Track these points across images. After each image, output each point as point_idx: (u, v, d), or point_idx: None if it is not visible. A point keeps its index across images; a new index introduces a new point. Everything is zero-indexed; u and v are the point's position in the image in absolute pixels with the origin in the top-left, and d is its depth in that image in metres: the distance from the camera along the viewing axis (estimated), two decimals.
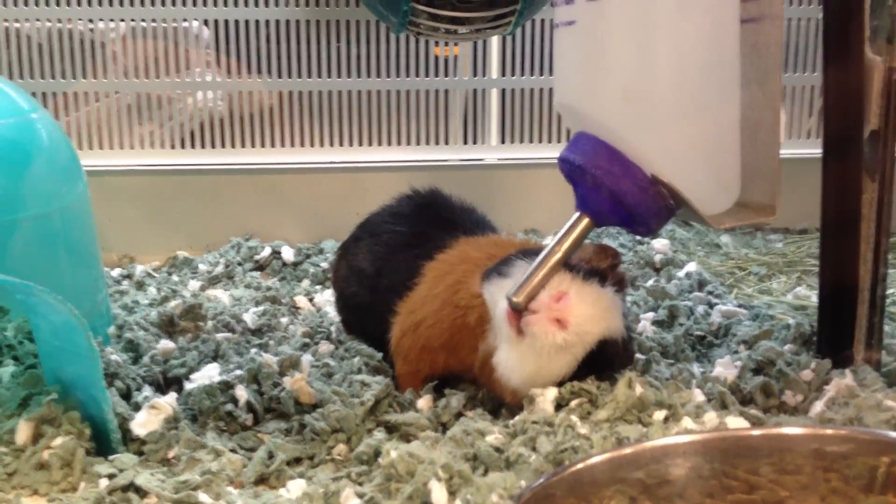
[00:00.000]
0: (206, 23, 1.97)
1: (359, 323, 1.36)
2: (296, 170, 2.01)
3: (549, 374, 1.07)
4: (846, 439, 0.82)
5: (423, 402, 1.15)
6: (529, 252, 1.13)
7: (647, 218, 1.06)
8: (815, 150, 1.21)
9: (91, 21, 1.93)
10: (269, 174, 2.00)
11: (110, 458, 1.04)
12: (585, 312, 1.05)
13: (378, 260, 1.30)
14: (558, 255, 1.07)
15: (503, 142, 2.10)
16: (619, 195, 1.04)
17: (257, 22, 1.97)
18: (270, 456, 1.05)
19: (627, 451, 0.84)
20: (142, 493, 0.98)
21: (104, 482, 0.99)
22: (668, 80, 1.03)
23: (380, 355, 1.26)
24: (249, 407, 1.15)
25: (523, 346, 1.06)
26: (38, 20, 1.90)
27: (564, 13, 1.08)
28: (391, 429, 1.10)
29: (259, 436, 1.13)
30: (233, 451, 1.08)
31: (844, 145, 1.18)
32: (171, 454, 1.06)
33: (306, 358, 1.25)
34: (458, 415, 1.13)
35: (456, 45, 2.01)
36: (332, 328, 1.44)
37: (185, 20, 1.95)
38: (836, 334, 1.23)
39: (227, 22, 1.96)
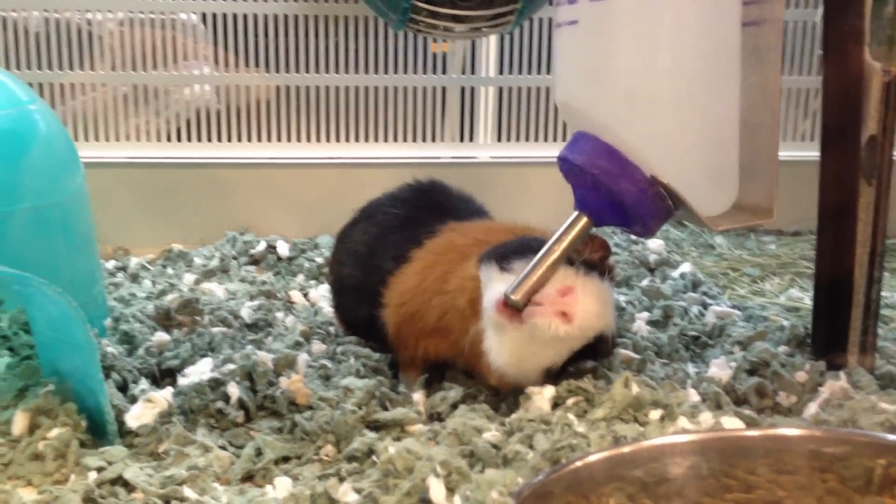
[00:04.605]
0: (202, 16, 1.96)
1: (351, 303, 1.36)
2: (291, 164, 2.01)
3: (540, 362, 1.09)
4: (843, 441, 0.83)
5: (419, 396, 1.16)
6: (528, 240, 1.15)
7: (646, 218, 1.06)
8: (809, 153, 1.22)
9: (87, 11, 1.93)
10: (264, 168, 2.00)
11: (101, 450, 1.03)
12: (590, 308, 1.07)
13: (371, 240, 1.32)
14: (557, 254, 1.07)
15: (500, 140, 2.10)
16: (617, 195, 1.05)
17: (256, 16, 1.96)
18: (259, 453, 1.05)
19: (625, 449, 0.84)
20: (129, 486, 0.98)
21: (93, 475, 0.99)
22: (669, 82, 1.03)
23: (377, 356, 1.25)
24: (241, 404, 1.14)
25: (518, 334, 1.07)
26: (33, 10, 1.89)
27: (567, 13, 1.09)
28: (379, 427, 1.10)
29: (251, 433, 1.12)
30: (223, 447, 1.08)
31: (841, 148, 1.19)
32: (161, 448, 1.06)
33: (303, 357, 1.25)
34: (454, 406, 1.13)
35: (444, 41, 2.01)
36: (332, 329, 1.43)
37: (181, 12, 1.95)
38: (830, 336, 1.23)
39: (224, 16, 1.96)
